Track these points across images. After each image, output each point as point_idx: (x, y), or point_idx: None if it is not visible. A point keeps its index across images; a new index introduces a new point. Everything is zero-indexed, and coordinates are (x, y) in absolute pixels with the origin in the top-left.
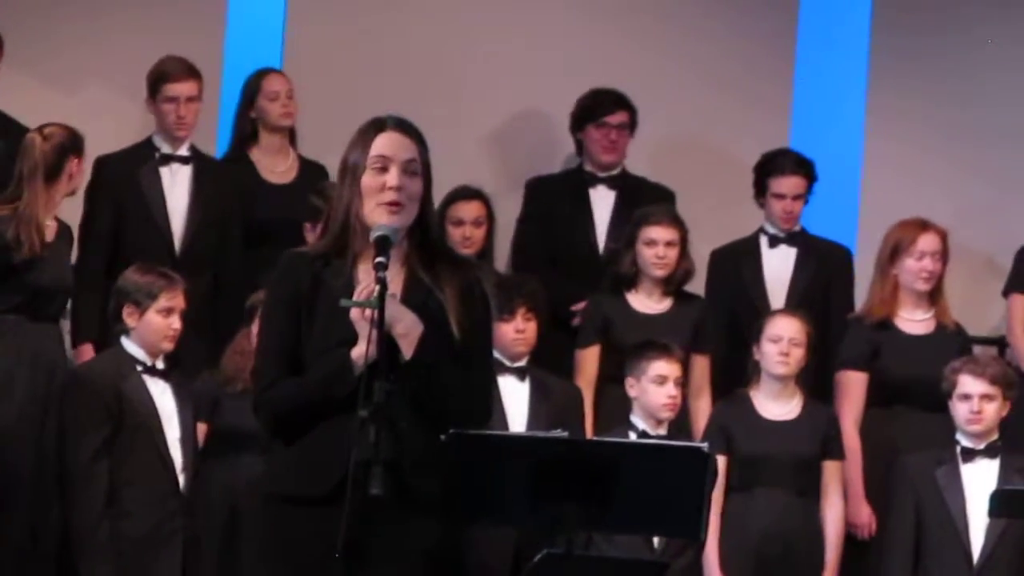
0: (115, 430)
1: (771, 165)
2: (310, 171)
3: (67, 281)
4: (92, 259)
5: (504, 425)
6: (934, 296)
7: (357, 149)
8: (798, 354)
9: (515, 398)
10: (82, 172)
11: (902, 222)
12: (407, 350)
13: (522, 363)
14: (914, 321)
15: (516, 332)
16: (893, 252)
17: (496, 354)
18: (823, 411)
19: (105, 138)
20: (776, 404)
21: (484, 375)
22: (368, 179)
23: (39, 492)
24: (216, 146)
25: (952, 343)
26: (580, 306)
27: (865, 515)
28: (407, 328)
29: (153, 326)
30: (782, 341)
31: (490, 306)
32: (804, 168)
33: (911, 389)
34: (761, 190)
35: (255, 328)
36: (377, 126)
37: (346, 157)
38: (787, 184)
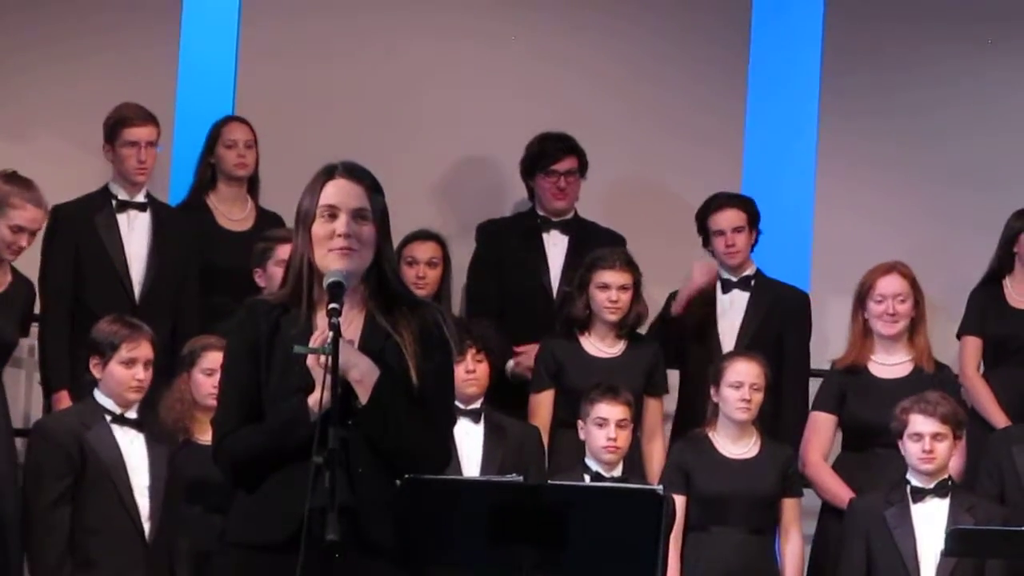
0: (77, 479)
1: (706, 207)
2: (267, 220)
3: (4, 335)
4: (54, 307)
5: (458, 468)
6: (913, 338)
7: (308, 197)
8: (758, 399)
9: (469, 440)
10: (14, 235)
11: (874, 267)
12: (363, 396)
13: (477, 405)
14: (887, 365)
15: (466, 373)
16: (859, 296)
17: None
18: (781, 450)
19: (59, 186)
20: (735, 445)
21: (443, 419)
22: (318, 227)
23: None
24: (169, 193)
25: (928, 386)
26: (522, 349)
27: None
28: (362, 374)
29: (116, 377)
30: (743, 387)
31: (451, 350)
32: (739, 201)
33: (882, 433)
34: (706, 237)
35: (197, 375)
36: (327, 173)
37: (299, 206)
38: (724, 218)
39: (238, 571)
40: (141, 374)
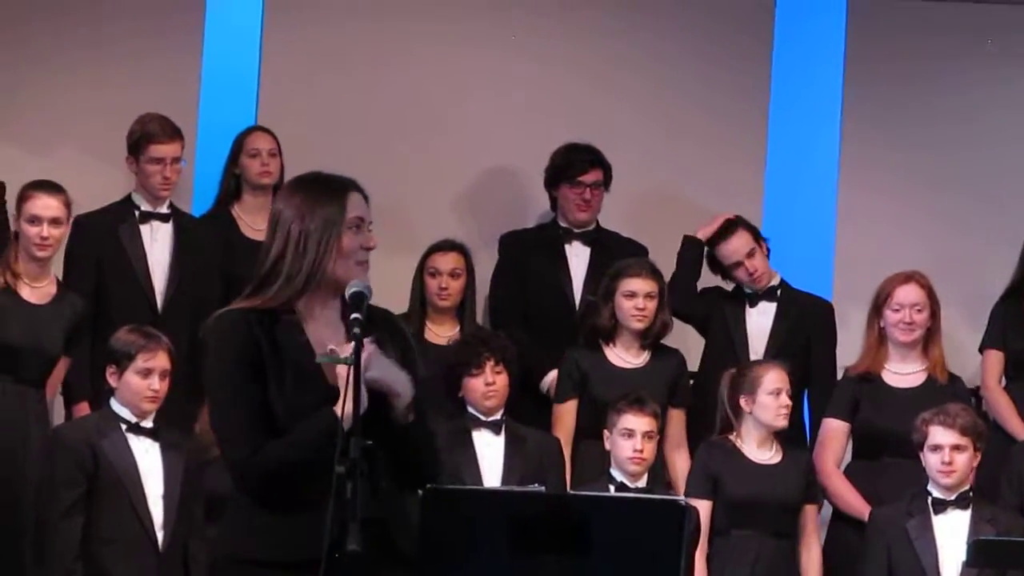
0: (90, 488)
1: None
2: None
3: (47, 346)
4: None
5: (478, 478)
6: (927, 348)
7: (329, 207)
8: (790, 405)
9: (490, 451)
10: (34, 228)
11: (892, 275)
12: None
13: (497, 416)
14: (901, 374)
15: (486, 385)
16: (876, 304)
17: (470, 408)
18: (802, 456)
19: (81, 196)
20: (760, 450)
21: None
22: (349, 239)
23: (9, 553)
24: (192, 202)
25: (941, 396)
26: (550, 377)
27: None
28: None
29: (131, 387)
30: (782, 394)
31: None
32: (740, 225)
33: (894, 441)
34: (714, 266)
35: None
36: (346, 186)
37: (312, 215)
38: (732, 249)
39: None
40: (156, 384)
